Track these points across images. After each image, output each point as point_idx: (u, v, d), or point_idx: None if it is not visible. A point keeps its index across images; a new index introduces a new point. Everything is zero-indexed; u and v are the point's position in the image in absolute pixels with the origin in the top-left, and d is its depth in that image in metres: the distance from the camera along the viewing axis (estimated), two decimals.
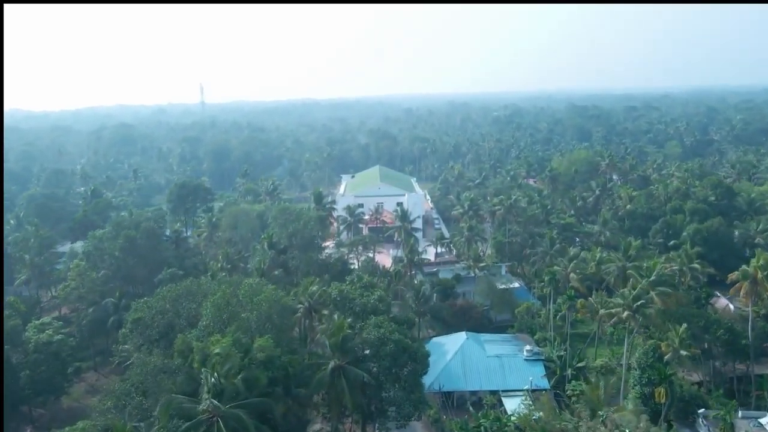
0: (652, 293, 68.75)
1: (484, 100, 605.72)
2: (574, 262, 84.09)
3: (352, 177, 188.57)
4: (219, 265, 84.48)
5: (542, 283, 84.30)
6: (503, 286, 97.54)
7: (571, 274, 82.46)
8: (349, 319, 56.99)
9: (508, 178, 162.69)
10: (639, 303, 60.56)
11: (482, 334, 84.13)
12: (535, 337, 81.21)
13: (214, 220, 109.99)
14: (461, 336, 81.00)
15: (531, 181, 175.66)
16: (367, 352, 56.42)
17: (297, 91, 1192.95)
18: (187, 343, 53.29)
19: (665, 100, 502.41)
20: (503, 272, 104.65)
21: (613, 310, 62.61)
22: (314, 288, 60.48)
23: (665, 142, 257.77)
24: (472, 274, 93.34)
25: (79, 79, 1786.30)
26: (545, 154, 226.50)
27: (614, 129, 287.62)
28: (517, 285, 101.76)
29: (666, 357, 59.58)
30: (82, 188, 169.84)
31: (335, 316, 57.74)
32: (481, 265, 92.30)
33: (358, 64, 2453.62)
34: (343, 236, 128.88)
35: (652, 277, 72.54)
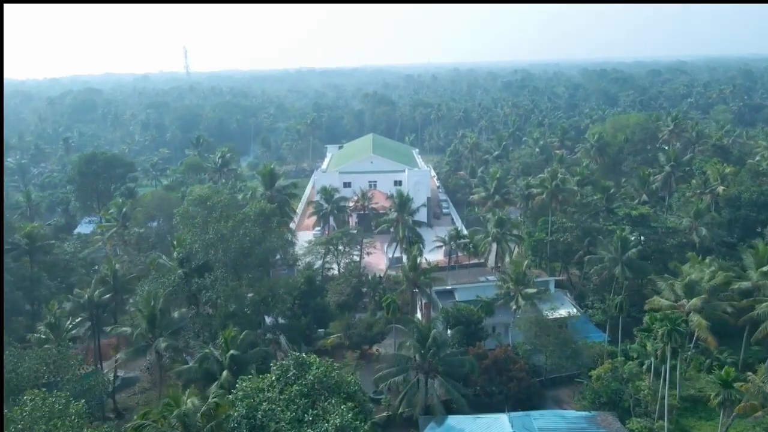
0: None
1: (489, 68, 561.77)
2: (703, 296, 48.40)
3: (340, 148, 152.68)
4: (89, 295, 49.44)
5: (653, 340, 48.54)
6: (555, 315, 62.85)
7: (695, 317, 47.18)
8: None
9: (537, 150, 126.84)
10: None
11: (534, 412, 49.70)
12: (629, 426, 46.73)
13: (125, 210, 74.77)
14: (501, 423, 46.57)
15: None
16: None
17: (293, 60, 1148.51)
18: None
19: (684, 67, 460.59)
20: (551, 289, 69.72)
21: None
22: (190, 403, 25.74)
23: (709, 107, 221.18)
24: (514, 307, 58.08)
25: (70, 47, 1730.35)
26: (572, 120, 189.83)
27: (646, 93, 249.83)
28: (576, 312, 67.03)
29: None
30: None
31: None
32: (529, 291, 56.84)
33: (356, 32, 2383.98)
34: (317, 231, 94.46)
35: None
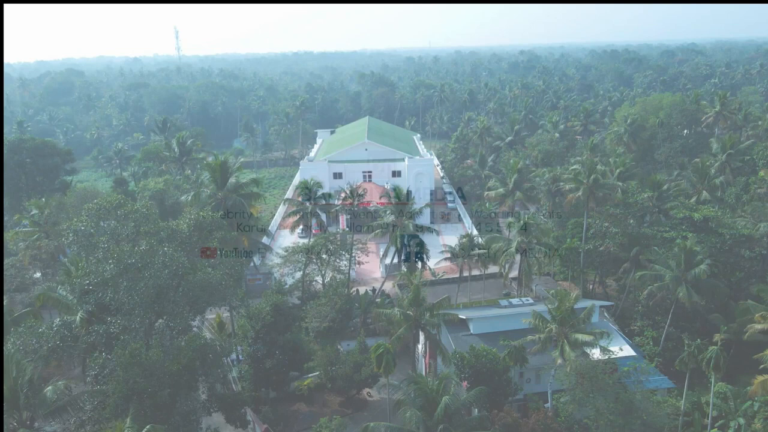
0: None
1: (492, 51, 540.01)
2: None
3: (332, 133, 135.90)
4: None
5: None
6: (603, 354, 46.32)
7: None
8: None
9: (557, 135, 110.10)
10: None
11: None
12: None
13: (47, 212, 58.40)
14: None
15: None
16: None
17: (291, 44, 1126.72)
18: None
19: (696, 48, 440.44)
20: (594, 318, 53.27)
21: None
22: None
23: (735, 88, 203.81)
24: (559, 361, 41.49)
25: (64, 31, 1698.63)
26: (588, 103, 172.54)
27: (665, 73, 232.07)
28: (630, 349, 50.93)
29: None
30: None
31: None
32: (581, 338, 40.33)
33: (356, 15, 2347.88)
34: (300, 233, 78.54)
35: None
